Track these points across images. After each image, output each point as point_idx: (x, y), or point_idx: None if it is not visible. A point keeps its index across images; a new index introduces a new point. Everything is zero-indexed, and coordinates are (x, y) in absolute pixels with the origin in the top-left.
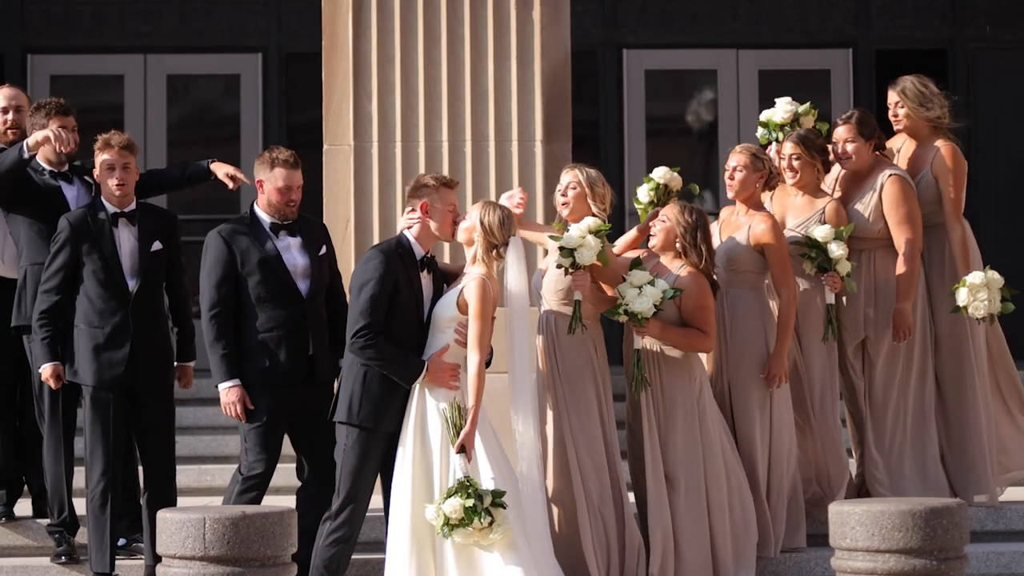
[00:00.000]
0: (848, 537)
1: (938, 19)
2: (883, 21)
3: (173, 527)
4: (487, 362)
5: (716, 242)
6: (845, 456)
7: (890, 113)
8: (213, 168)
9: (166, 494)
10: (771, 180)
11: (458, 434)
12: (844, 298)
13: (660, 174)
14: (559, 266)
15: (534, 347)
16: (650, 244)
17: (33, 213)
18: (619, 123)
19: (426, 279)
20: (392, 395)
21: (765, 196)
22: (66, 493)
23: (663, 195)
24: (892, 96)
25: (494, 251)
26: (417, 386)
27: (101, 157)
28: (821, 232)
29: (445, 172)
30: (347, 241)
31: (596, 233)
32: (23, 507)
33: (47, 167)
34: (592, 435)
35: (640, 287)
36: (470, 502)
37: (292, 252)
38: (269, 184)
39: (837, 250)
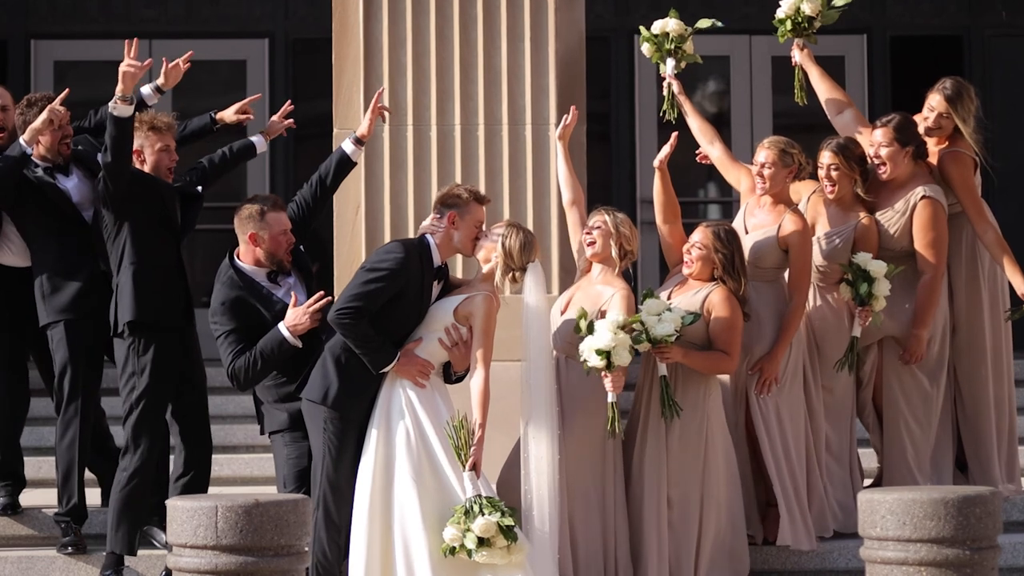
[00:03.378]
0: (878, 526)
1: (954, 5)
2: (898, 7)
3: (184, 515)
4: (460, 378)
5: (736, 227)
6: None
7: (929, 117)
8: (219, 117)
9: (204, 482)
10: (801, 173)
11: (464, 448)
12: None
13: (655, 26)
14: (595, 369)
15: (552, 368)
16: (685, 272)
17: (35, 211)
18: (631, 112)
19: (436, 288)
20: (369, 385)
21: (794, 190)
22: (77, 482)
23: (667, 44)
24: (940, 104)
25: (511, 274)
26: (388, 378)
27: (150, 137)
28: (876, 267)
29: (458, 156)
30: (357, 227)
31: (625, 327)
32: (29, 499)
33: (40, 163)
34: (589, 484)
35: (659, 314)
36: (507, 521)
37: (293, 294)
38: (266, 233)
39: (884, 289)
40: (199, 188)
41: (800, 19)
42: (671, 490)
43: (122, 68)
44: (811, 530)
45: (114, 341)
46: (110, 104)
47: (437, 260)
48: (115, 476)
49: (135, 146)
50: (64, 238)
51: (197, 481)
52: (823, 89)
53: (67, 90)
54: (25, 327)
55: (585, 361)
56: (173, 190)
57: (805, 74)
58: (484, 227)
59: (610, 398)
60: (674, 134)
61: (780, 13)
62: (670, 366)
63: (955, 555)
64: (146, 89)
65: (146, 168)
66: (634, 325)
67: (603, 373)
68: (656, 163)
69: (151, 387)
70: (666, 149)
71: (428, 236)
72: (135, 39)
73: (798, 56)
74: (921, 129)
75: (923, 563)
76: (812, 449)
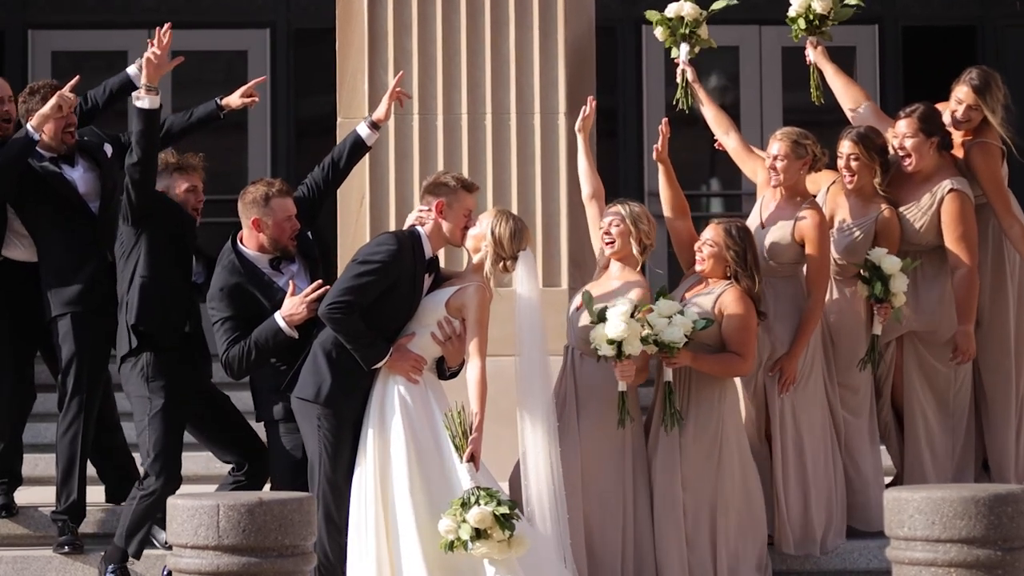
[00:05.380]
0: (906, 526)
1: None
2: None
3: (185, 515)
4: (454, 373)
5: (753, 224)
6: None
7: (958, 110)
8: (225, 103)
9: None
10: (816, 164)
11: (463, 439)
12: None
13: (669, 9)
14: (604, 358)
15: (546, 361)
16: (697, 269)
17: (40, 202)
18: (638, 105)
19: (427, 280)
20: (362, 380)
21: (813, 180)
22: (78, 479)
23: (682, 29)
24: (968, 95)
25: (501, 264)
26: (381, 374)
27: (175, 178)
28: (890, 264)
29: (464, 146)
30: (361, 219)
31: (635, 313)
32: (25, 497)
33: (45, 153)
34: (610, 486)
35: (670, 317)
36: (502, 510)
37: (297, 281)
38: (270, 219)
39: (901, 285)
40: None
41: (812, 17)
42: (685, 495)
43: (146, 55)
44: (813, 534)
45: (121, 367)
46: (133, 95)
47: (429, 252)
48: (132, 490)
49: (161, 188)
50: (71, 230)
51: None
52: (839, 85)
53: (77, 77)
54: (30, 323)
55: (596, 349)
56: (194, 221)
57: (820, 72)
58: (473, 216)
59: (620, 387)
60: (664, 120)
61: (791, 12)
62: (682, 368)
63: (986, 556)
64: (132, 69)
65: None
66: (644, 327)
67: (613, 362)
68: (655, 154)
69: (164, 405)
70: (660, 138)
71: (418, 228)
72: (167, 24)
73: (812, 55)
74: (948, 121)
75: (952, 564)
76: (831, 448)
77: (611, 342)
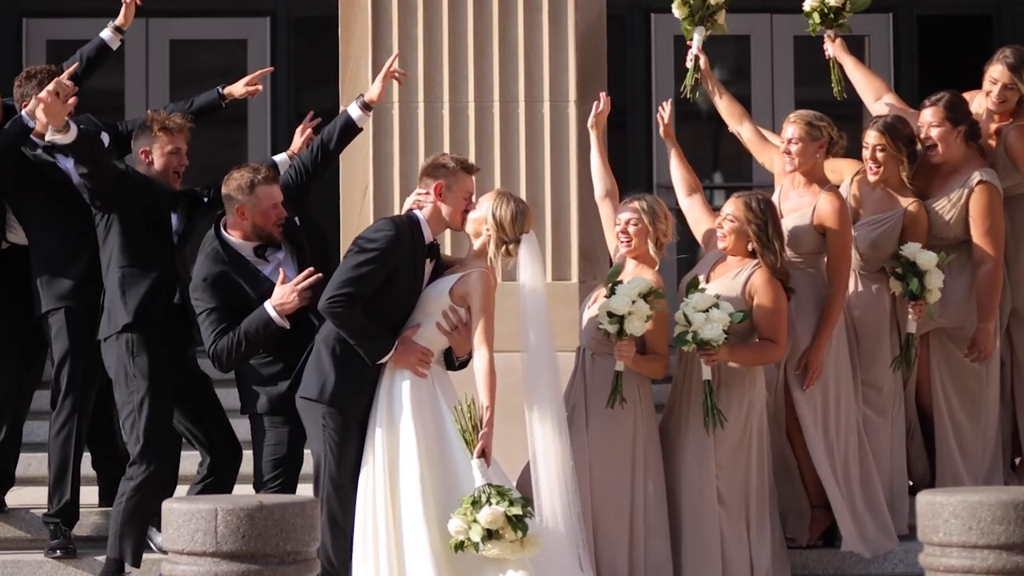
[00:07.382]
0: (941, 531)
1: None
2: None
3: (181, 519)
4: (463, 363)
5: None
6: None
7: (992, 91)
8: (227, 92)
9: (229, 486)
10: (833, 147)
11: (472, 434)
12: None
13: None
14: (605, 333)
15: (553, 353)
16: (719, 247)
17: (33, 192)
18: (647, 96)
19: (428, 266)
20: (368, 376)
21: (835, 170)
22: (71, 480)
23: (702, 11)
24: (1003, 74)
25: (504, 248)
26: (387, 369)
27: (161, 140)
28: (925, 259)
29: (471, 135)
30: (365, 210)
31: (647, 296)
32: (16, 498)
33: (39, 141)
34: (617, 488)
35: (706, 310)
36: (514, 510)
37: (284, 269)
38: (253, 207)
39: (937, 281)
40: (206, 199)
41: (827, 9)
42: (719, 483)
43: (39, 111)
44: (880, 529)
45: (102, 345)
46: (47, 137)
47: (428, 236)
48: (120, 484)
49: (144, 147)
50: (65, 221)
51: (221, 486)
52: (859, 78)
53: (76, 64)
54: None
55: (600, 323)
56: (169, 194)
57: (841, 66)
58: (474, 199)
59: (618, 366)
60: (662, 104)
61: (806, 6)
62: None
63: None
64: (106, 33)
65: (153, 169)
66: (678, 326)
67: (614, 339)
68: (661, 132)
69: (152, 388)
70: (666, 116)
71: (416, 212)
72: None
73: (831, 49)
74: (982, 108)
75: (991, 571)
76: (865, 444)
77: (612, 316)
